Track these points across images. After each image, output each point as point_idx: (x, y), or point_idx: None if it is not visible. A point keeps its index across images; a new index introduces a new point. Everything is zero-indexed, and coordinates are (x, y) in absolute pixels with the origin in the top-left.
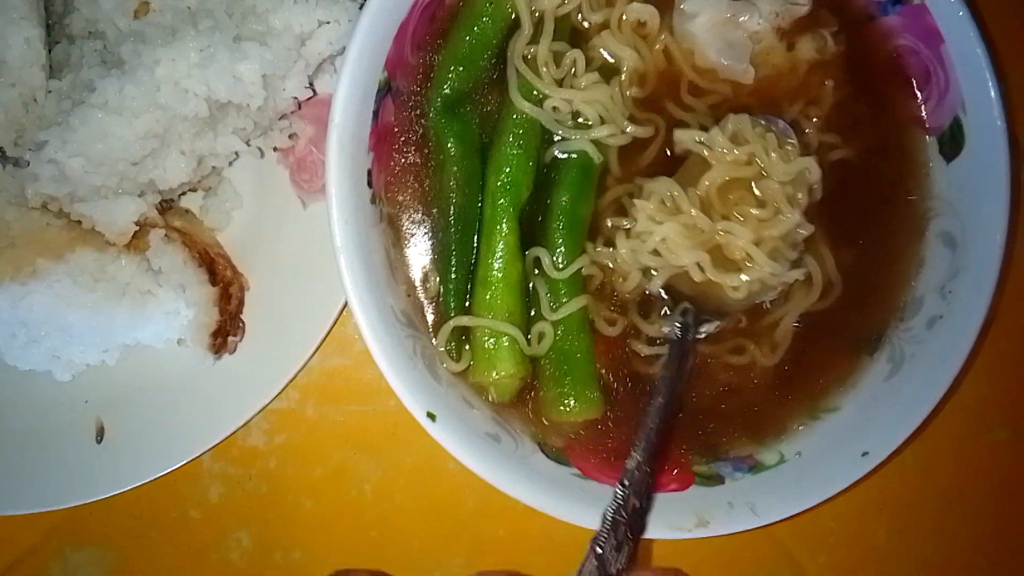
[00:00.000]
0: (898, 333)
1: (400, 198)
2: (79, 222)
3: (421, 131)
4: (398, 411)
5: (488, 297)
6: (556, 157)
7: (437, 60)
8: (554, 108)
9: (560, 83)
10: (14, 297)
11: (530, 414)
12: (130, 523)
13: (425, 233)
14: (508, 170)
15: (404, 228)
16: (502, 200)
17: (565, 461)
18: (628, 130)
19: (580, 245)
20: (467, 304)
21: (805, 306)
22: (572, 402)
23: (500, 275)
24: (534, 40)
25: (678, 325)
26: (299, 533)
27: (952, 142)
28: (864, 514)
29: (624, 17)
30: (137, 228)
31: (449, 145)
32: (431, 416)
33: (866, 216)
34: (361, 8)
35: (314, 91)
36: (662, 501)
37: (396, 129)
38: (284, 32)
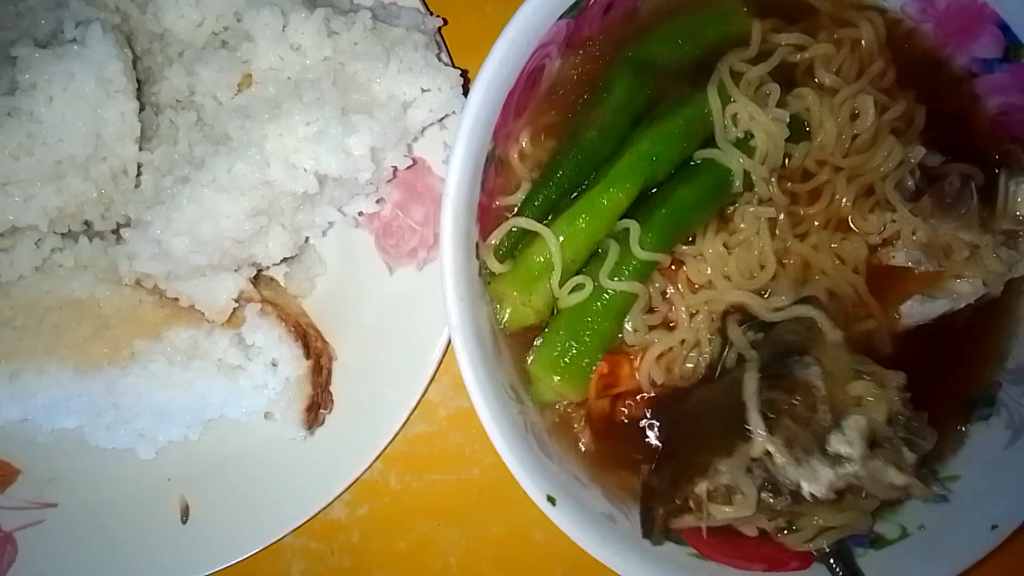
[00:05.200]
0: (1013, 397)
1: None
2: (174, 299)
3: (592, 72)
4: (483, 479)
5: (569, 228)
6: (701, 159)
7: (645, 28)
8: (734, 116)
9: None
10: (110, 381)
11: (525, 358)
12: None
13: None
14: (664, 145)
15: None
16: (643, 165)
17: (681, 541)
18: (771, 189)
19: (671, 243)
20: (543, 219)
21: None
22: (562, 371)
23: (592, 221)
24: (752, 62)
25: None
26: None
27: None
28: None
29: (845, 101)
30: (236, 305)
31: (617, 90)
32: (551, 500)
33: None
34: (463, 75)
35: (413, 160)
36: None
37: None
38: (388, 102)
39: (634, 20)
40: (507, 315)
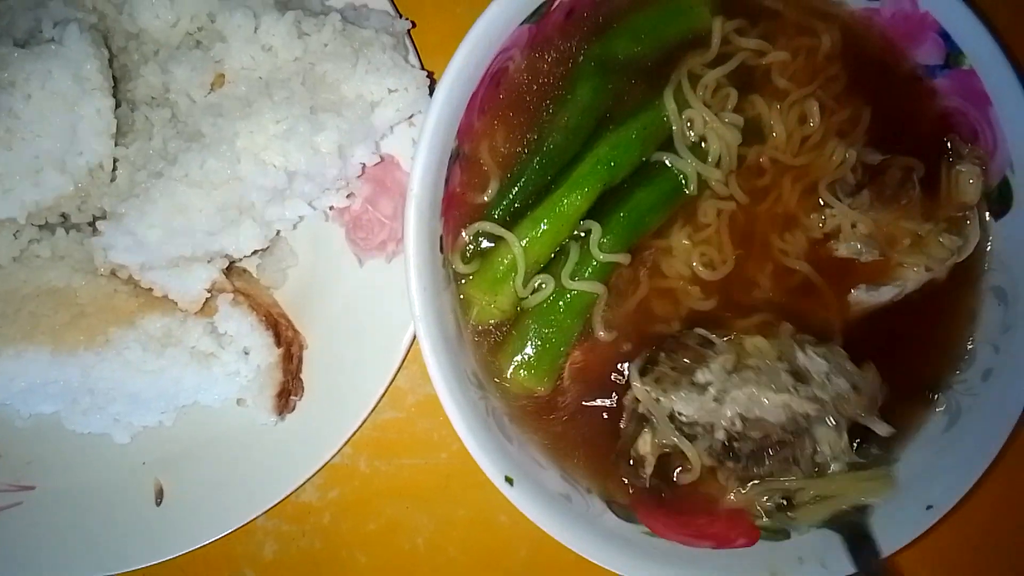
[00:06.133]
0: (955, 385)
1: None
2: (149, 289)
3: (556, 74)
4: (450, 464)
5: (532, 231)
6: (659, 162)
7: (608, 25)
8: (690, 122)
9: (706, 107)
10: (86, 366)
11: (492, 353)
12: None
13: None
14: (622, 150)
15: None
16: (601, 170)
17: (634, 519)
18: (731, 191)
19: (629, 244)
20: (507, 223)
21: None
22: (525, 366)
23: (553, 224)
24: (711, 65)
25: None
26: None
27: (1001, 200)
28: (928, 566)
29: (793, 105)
30: (208, 295)
31: (581, 91)
32: (509, 480)
33: None
34: (430, 76)
35: (380, 156)
36: (732, 556)
37: (526, 73)
38: (356, 102)
39: (596, 20)
40: (474, 313)
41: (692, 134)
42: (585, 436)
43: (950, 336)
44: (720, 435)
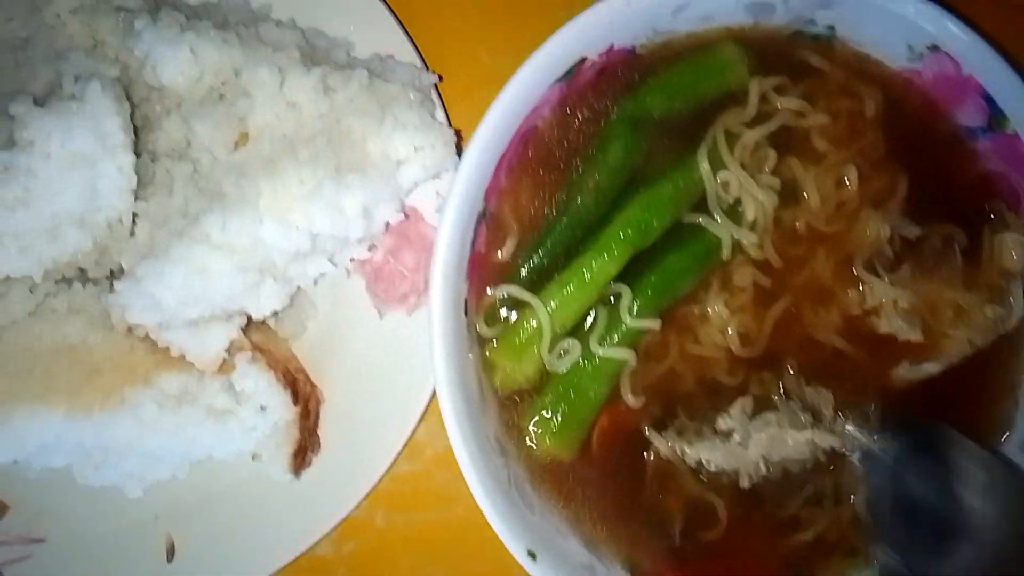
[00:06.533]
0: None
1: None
2: (166, 348)
3: (587, 131)
4: (467, 517)
5: (559, 296)
6: (693, 224)
7: (643, 81)
8: (725, 183)
9: (743, 168)
10: (100, 426)
11: (515, 418)
12: None
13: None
14: (654, 213)
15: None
16: (631, 233)
17: None
18: (767, 254)
19: (660, 308)
20: (534, 285)
21: None
22: (549, 431)
23: (581, 289)
24: (750, 124)
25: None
26: None
27: None
28: None
29: (830, 168)
30: (226, 356)
31: (613, 150)
32: (532, 555)
33: None
34: (457, 134)
35: (405, 214)
36: None
37: (555, 128)
38: (382, 160)
39: (629, 75)
40: (497, 379)
41: (727, 196)
42: (609, 501)
43: (990, 407)
44: (745, 482)
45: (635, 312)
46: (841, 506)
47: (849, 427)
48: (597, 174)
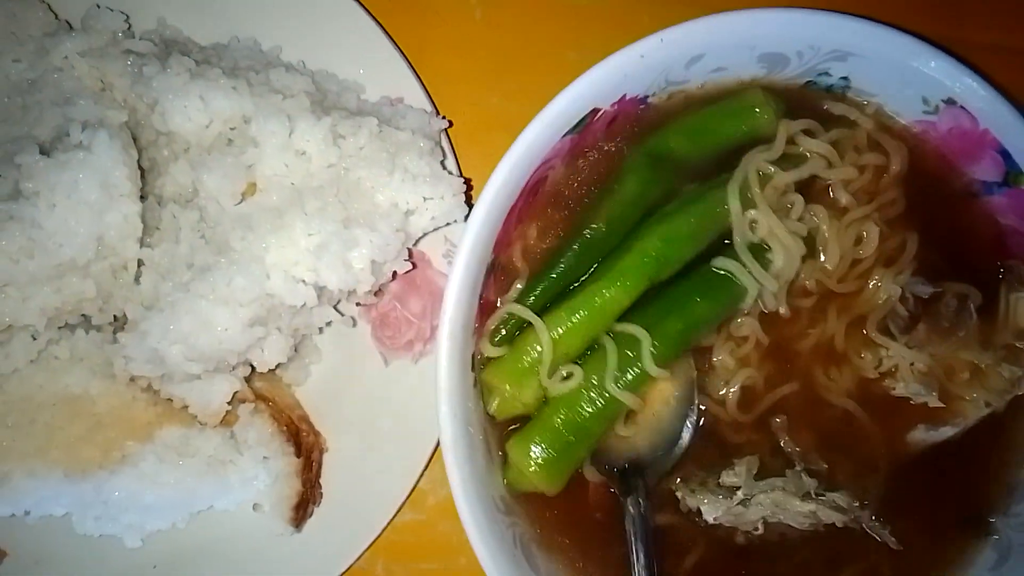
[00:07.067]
0: (1008, 520)
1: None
2: (168, 399)
3: (599, 172)
4: (469, 569)
5: (565, 322)
6: (721, 270)
7: (661, 124)
8: (752, 222)
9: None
10: (100, 482)
11: (503, 442)
12: None
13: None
14: (674, 246)
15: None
16: (648, 264)
17: None
18: (779, 305)
19: (678, 355)
20: (541, 309)
21: None
22: (539, 462)
23: (589, 317)
24: (778, 164)
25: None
26: None
27: None
28: None
29: (851, 223)
30: (229, 408)
31: (630, 183)
32: None
33: None
34: (467, 183)
35: (413, 262)
36: None
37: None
38: (391, 211)
39: (642, 125)
40: (495, 405)
41: (754, 235)
42: (614, 557)
43: (1005, 469)
44: (740, 539)
45: (655, 358)
46: None
47: (854, 505)
48: (613, 204)
